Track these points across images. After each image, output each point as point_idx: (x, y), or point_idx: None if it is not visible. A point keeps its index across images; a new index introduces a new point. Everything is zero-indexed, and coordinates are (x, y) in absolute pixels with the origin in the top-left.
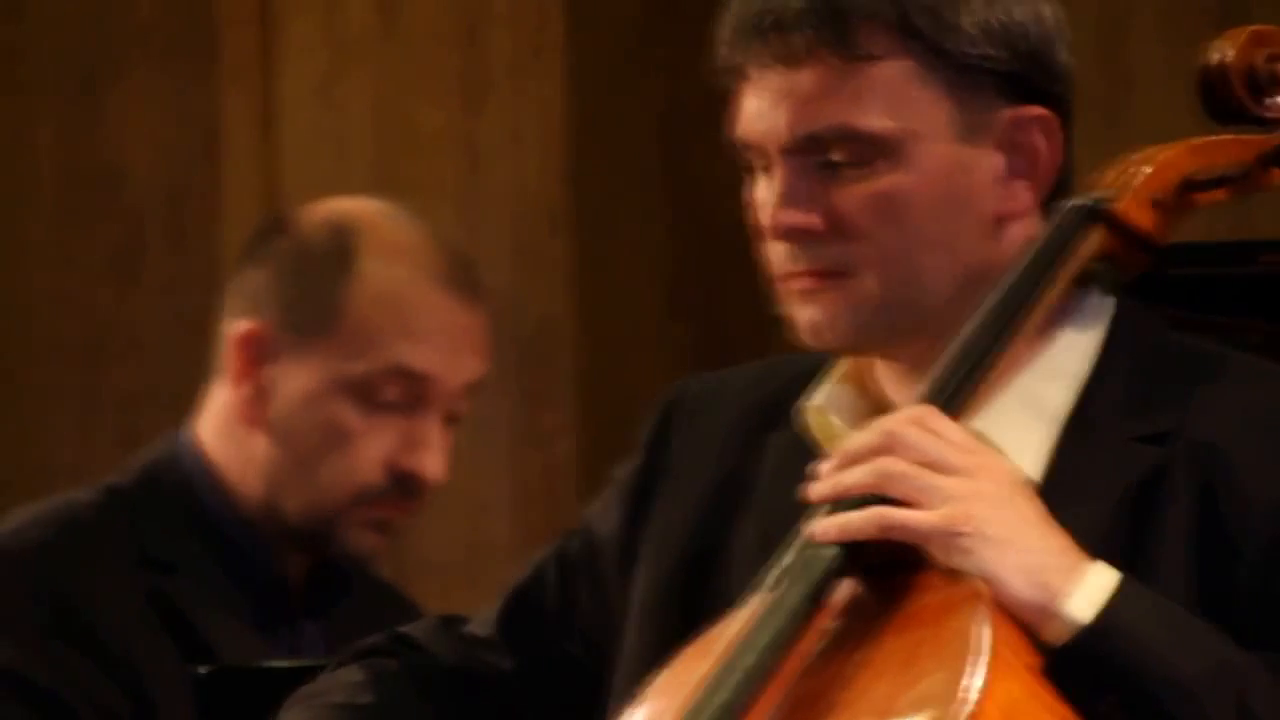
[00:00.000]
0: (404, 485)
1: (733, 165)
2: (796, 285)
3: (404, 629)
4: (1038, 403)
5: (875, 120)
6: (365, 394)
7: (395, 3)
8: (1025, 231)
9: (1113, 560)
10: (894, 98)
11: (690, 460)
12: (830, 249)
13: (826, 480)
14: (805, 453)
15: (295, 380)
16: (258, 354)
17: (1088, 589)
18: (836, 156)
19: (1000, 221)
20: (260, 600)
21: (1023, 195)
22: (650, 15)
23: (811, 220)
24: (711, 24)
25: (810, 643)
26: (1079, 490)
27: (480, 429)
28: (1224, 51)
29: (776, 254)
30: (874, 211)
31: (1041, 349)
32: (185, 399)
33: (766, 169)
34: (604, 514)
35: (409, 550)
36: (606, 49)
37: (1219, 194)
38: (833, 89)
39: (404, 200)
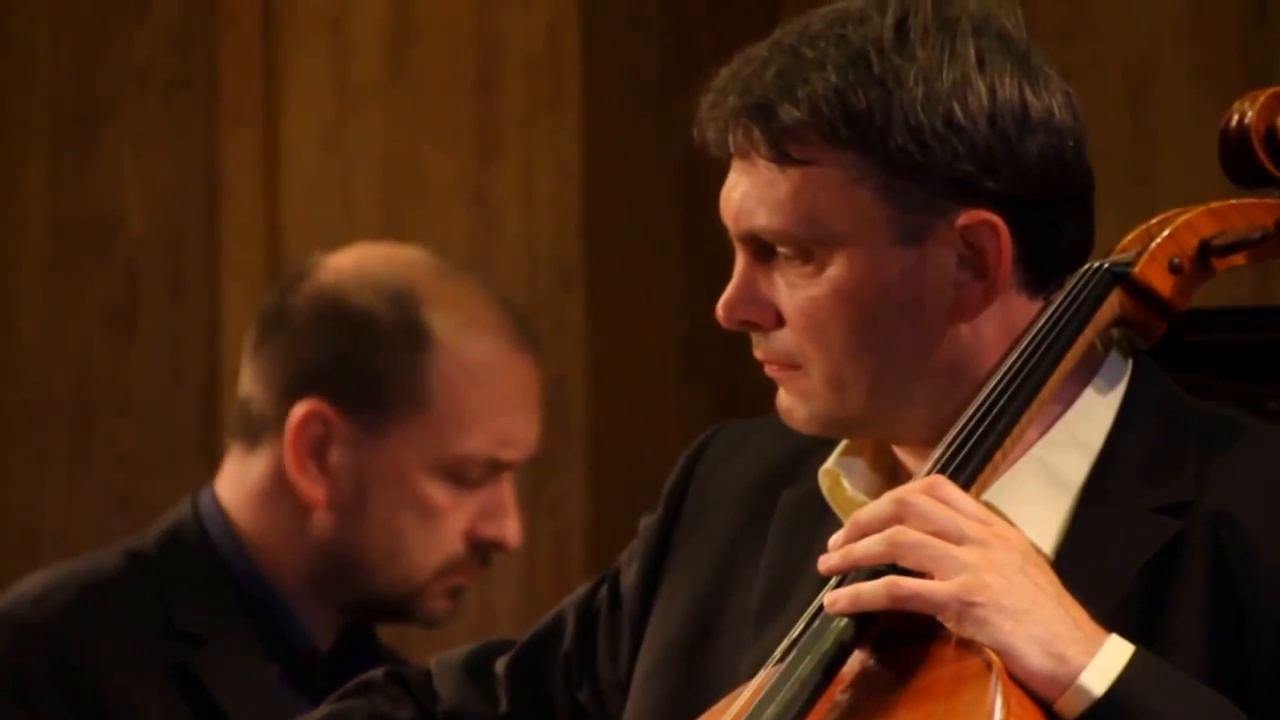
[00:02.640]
0: (482, 552)
1: None
2: (766, 369)
3: (402, 668)
4: (1053, 473)
5: (808, 225)
6: (458, 473)
7: (405, 47)
8: (999, 324)
9: (1128, 632)
10: (825, 202)
11: (705, 513)
12: (779, 342)
13: (838, 551)
14: (817, 512)
15: (374, 460)
16: (322, 436)
17: (1102, 661)
18: (781, 251)
19: (956, 322)
20: (289, 670)
21: (976, 295)
22: (668, 67)
23: (755, 314)
24: None
25: (822, 714)
26: (1095, 561)
27: None
28: (1244, 113)
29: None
30: (810, 316)
31: (1058, 416)
32: (182, 459)
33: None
34: (628, 564)
35: None
36: (623, 101)
37: (1237, 258)
38: (767, 189)
39: None
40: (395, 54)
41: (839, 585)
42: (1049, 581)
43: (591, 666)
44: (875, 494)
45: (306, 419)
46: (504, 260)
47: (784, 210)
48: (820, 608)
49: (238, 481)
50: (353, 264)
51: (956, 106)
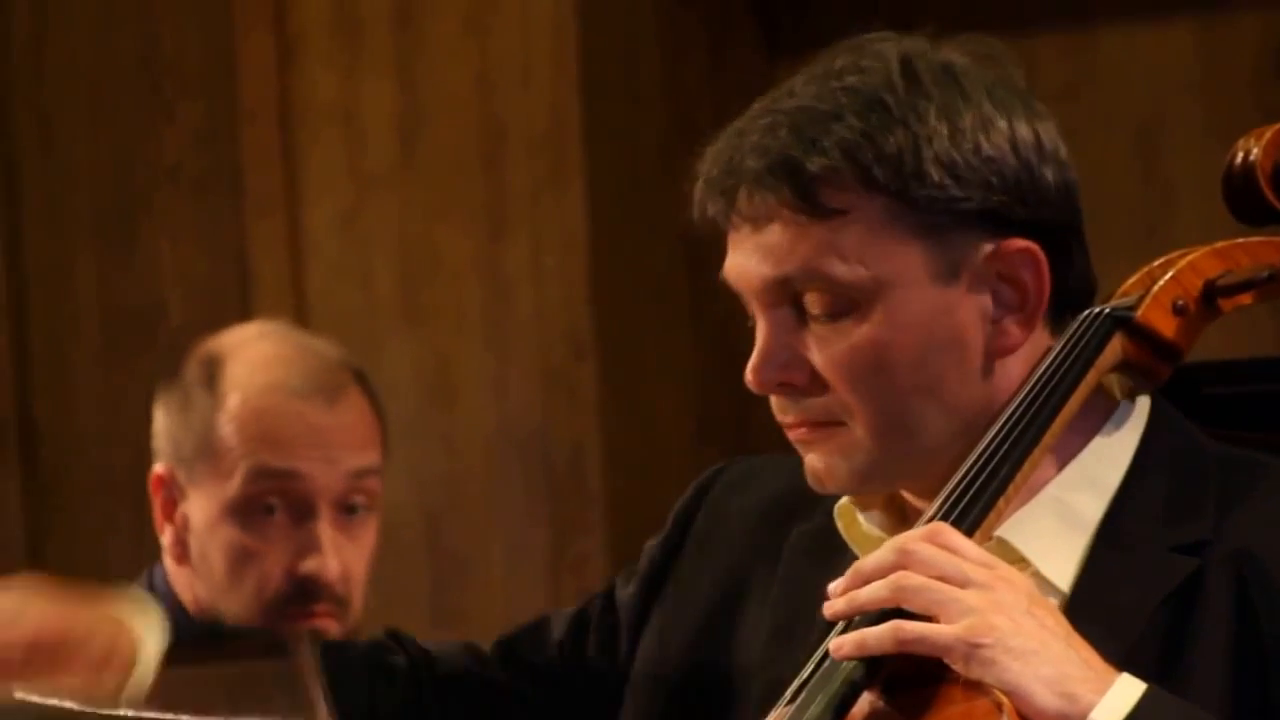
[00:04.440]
0: (307, 590)
1: None
2: (792, 434)
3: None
4: (1069, 511)
5: (844, 269)
6: (247, 511)
7: (415, 134)
8: (1026, 362)
9: (1147, 669)
10: (862, 248)
11: (712, 540)
12: (816, 401)
13: (843, 597)
14: (829, 549)
15: (197, 513)
16: (169, 495)
17: (1112, 700)
18: (813, 308)
19: (993, 358)
20: None
21: (1014, 330)
22: (668, 139)
23: (792, 375)
24: None
25: None
26: (1113, 599)
27: (515, 555)
28: (1250, 150)
29: (772, 403)
30: (854, 366)
31: (1073, 456)
32: None
33: (754, 314)
34: (626, 582)
35: None
36: (625, 174)
37: (1244, 298)
38: (799, 241)
39: (429, 329)
40: (405, 141)
41: (844, 630)
42: (1057, 622)
43: (581, 664)
44: (890, 530)
45: (155, 484)
46: (518, 333)
47: (821, 261)
48: (827, 653)
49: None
50: (212, 340)
51: (983, 138)
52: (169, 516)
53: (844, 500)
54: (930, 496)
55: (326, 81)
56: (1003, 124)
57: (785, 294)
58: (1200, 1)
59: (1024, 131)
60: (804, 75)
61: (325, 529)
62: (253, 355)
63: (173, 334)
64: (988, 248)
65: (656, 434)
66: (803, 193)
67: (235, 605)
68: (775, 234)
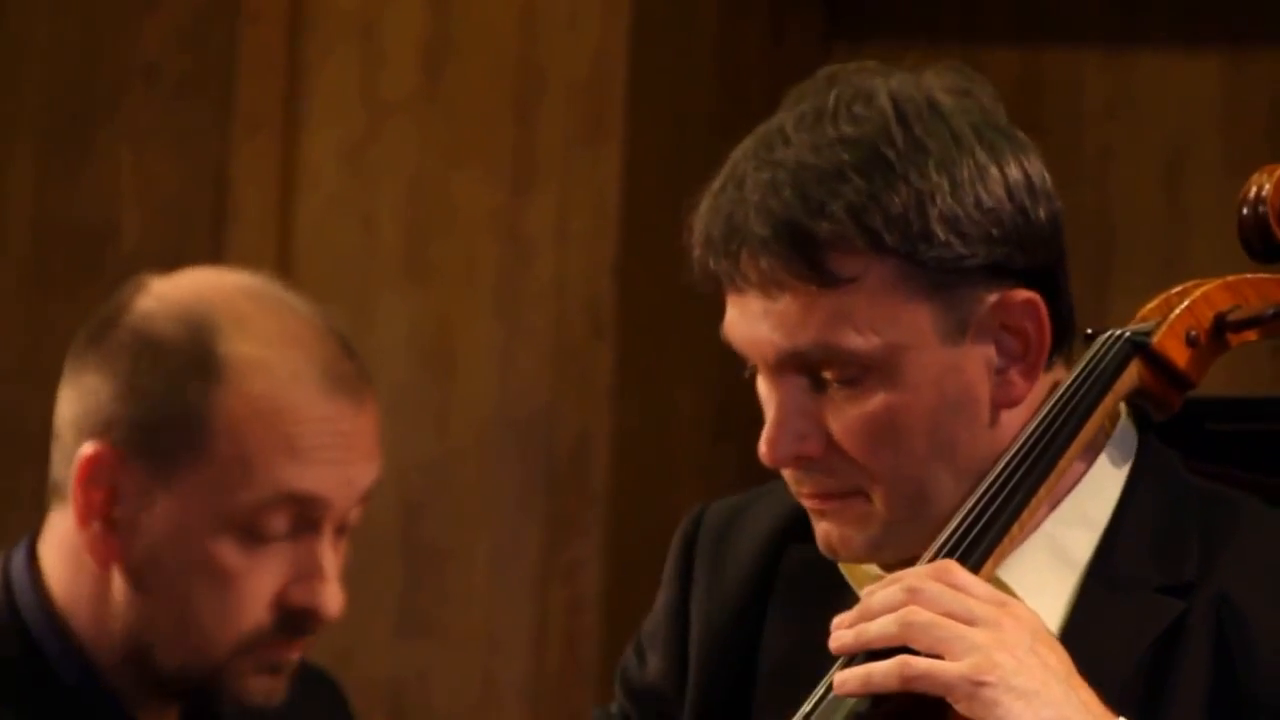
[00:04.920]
0: (296, 623)
1: None
2: (806, 503)
3: None
4: (1061, 549)
5: (858, 339)
6: (248, 528)
7: (442, 63)
8: (1028, 408)
9: (1131, 712)
10: (874, 314)
11: (720, 581)
12: (833, 472)
13: (850, 631)
14: (828, 579)
15: (158, 515)
16: (107, 483)
17: None
18: (827, 376)
19: (998, 410)
20: None
21: (1018, 380)
22: (718, 104)
23: (808, 447)
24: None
25: None
26: (1100, 641)
27: (500, 557)
28: (1261, 187)
29: (786, 474)
30: (871, 435)
31: (1066, 492)
32: None
33: (759, 371)
34: (642, 665)
35: (414, 692)
36: (669, 137)
37: (1249, 334)
38: (810, 311)
39: (433, 287)
40: (430, 69)
41: (848, 664)
42: (1059, 661)
43: None
44: (890, 568)
45: (89, 465)
46: (532, 301)
47: (833, 334)
48: (830, 686)
49: (54, 540)
50: (168, 287)
51: (981, 190)
52: (100, 511)
53: None
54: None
55: None
56: (995, 171)
57: (798, 364)
58: (1226, 35)
59: (1015, 173)
60: (793, 115)
61: (328, 553)
62: (258, 329)
63: (124, 261)
64: (991, 299)
65: (671, 428)
66: (811, 261)
67: (193, 632)
68: (785, 303)
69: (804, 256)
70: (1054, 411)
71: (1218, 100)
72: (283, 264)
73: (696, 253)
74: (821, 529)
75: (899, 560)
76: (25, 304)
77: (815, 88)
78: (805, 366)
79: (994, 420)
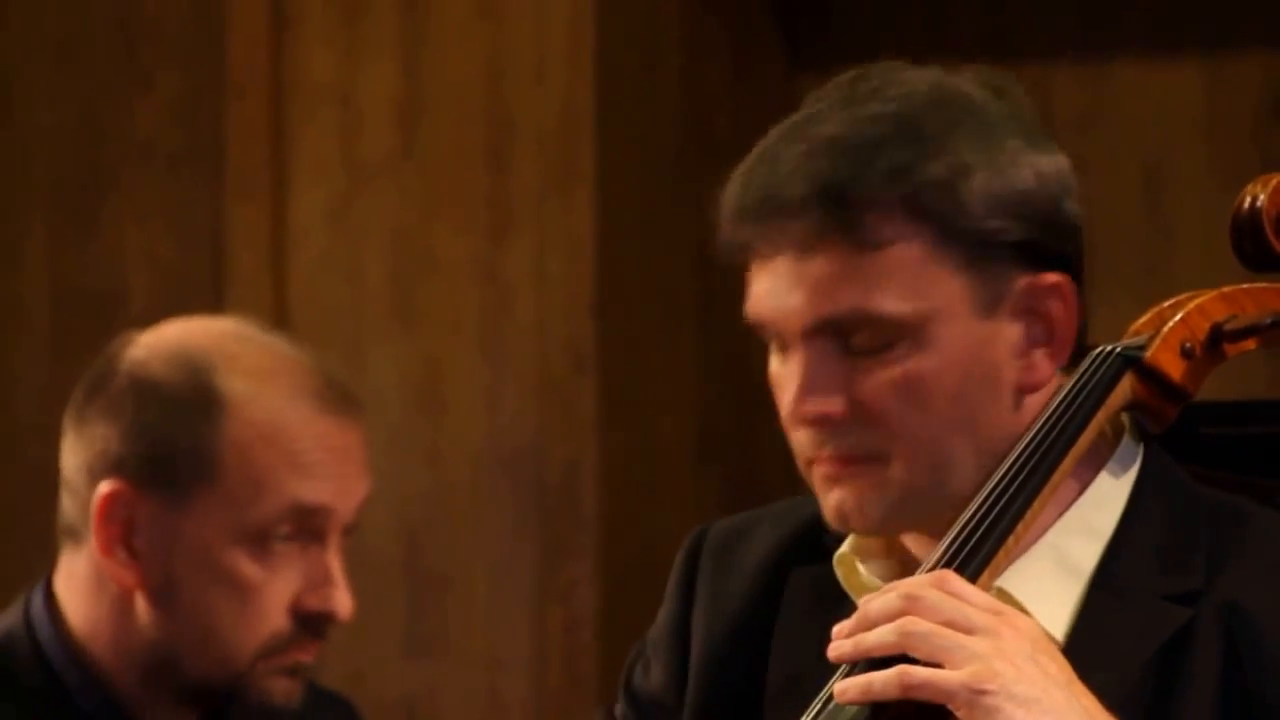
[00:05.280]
0: (311, 627)
1: None
2: (821, 470)
3: None
4: (1065, 559)
5: (892, 304)
6: (260, 540)
7: (416, 121)
8: (1045, 397)
9: (1138, 719)
10: (909, 280)
11: (723, 597)
12: (855, 435)
13: (849, 640)
14: (830, 594)
15: (176, 538)
16: (125, 516)
17: None
18: (856, 340)
19: (1021, 393)
20: None
21: (1042, 364)
22: (685, 145)
23: (833, 407)
24: (747, 156)
25: None
26: (1106, 648)
27: (498, 580)
28: (1256, 196)
29: (801, 437)
30: (898, 397)
31: (1069, 503)
32: None
33: (784, 348)
34: (646, 674)
35: (424, 709)
36: (638, 179)
37: (1248, 343)
38: (846, 274)
39: (420, 333)
40: (406, 128)
41: (848, 674)
42: (1060, 669)
43: None
44: (890, 579)
45: (108, 500)
46: (515, 341)
47: (868, 299)
48: (831, 695)
49: (69, 577)
50: (152, 339)
51: (1014, 172)
52: (121, 541)
53: (843, 549)
54: (933, 543)
55: (323, 59)
56: (1030, 158)
57: (829, 330)
58: (1206, 41)
59: (1047, 165)
60: (824, 101)
61: (334, 560)
62: (248, 363)
63: (132, 323)
64: (1021, 280)
65: (656, 454)
66: (851, 222)
67: (219, 642)
68: (819, 265)
69: (842, 217)
70: (1046, 427)
71: (1199, 108)
72: (279, 318)
73: (725, 226)
74: (834, 498)
75: (899, 573)
76: (45, 365)
77: (842, 82)
78: (836, 332)
79: (1016, 403)
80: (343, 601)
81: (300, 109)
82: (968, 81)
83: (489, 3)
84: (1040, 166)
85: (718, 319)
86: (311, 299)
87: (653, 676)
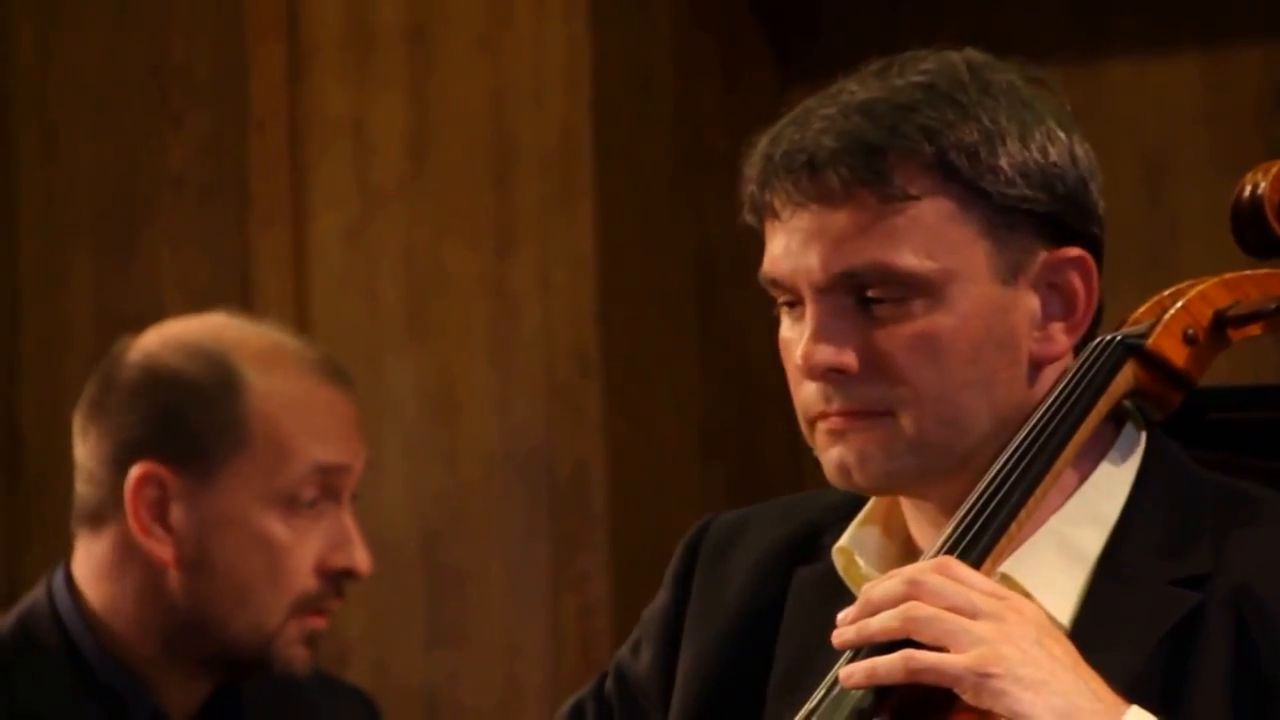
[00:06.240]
0: (335, 584)
1: (765, 306)
2: (827, 425)
3: None
4: (1070, 545)
5: (913, 260)
6: (289, 503)
7: (424, 148)
8: (1058, 373)
9: (1148, 704)
10: (932, 238)
11: (717, 592)
12: (865, 388)
13: (852, 626)
14: (833, 589)
15: (210, 509)
16: (159, 496)
17: None
18: (873, 293)
19: (1036, 364)
20: None
21: (1059, 338)
22: (680, 158)
23: (846, 359)
24: (741, 166)
25: None
26: (1114, 633)
27: (513, 573)
28: (1257, 183)
29: (808, 392)
30: (912, 352)
31: (1073, 490)
32: None
33: (795, 306)
34: (635, 655)
35: (445, 696)
36: (635, 193)
37: (1253, 329)
38: (869, 228)
39: (434, 345)
40: (415, 155)
41: (853, 659)
42: (1065, 652)
43: None
44: (889, 569)
45: (141, 482)
46: (524, 349)
47: (889, 253)
48: (836, 680)
49: (87, 562)
50: (159, 336)
51: (1049, 146)
52: (157, 519)
53: (843, 541)
54: (938, 522)
55: (337, 94)
56: (1063, 136)
57: (847, 285)
58: (1205, 34)
59: (1080, 149)
60: (855, 78)
61: (351, 519)
62: (254, 344)
63: None
64: (1044, 252)
65: (661, 452)
66: (879, 171)
67: (255, 604)
68: (843, 217)
69: (872, 166)
70: (1048, 414)
71: (1199, 98)
72: (302, 333)
73: (751, 183)
74: (837, 453)
75: (897, 565)
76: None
77: (879, 64)
78: (853, 287)
79: (1032, 375)
80: (362, 557)
81: (317, 141)
82: (1005, 68)
83: (490, 35)
84: (1074, 149)
85: (717, 321)
86: (331, 315)
87: (641, 661)
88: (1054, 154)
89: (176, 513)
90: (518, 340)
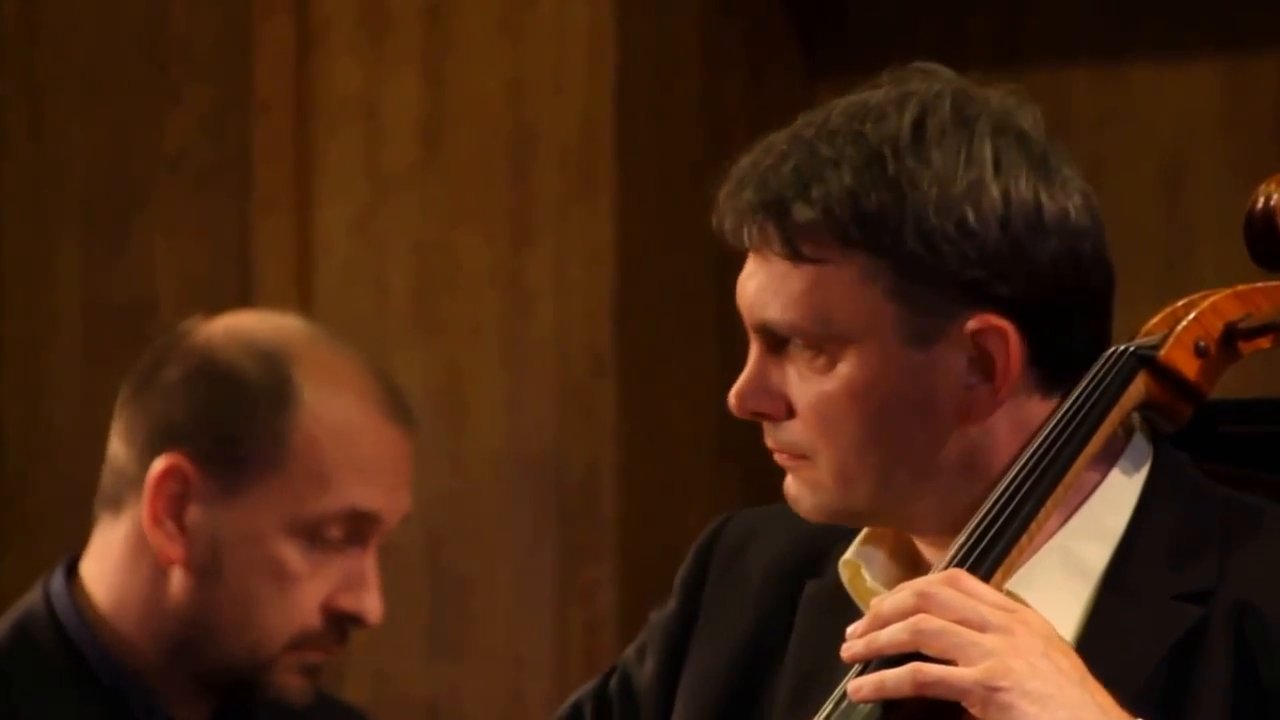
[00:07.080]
0: (339, 627)
1: None
2: (775, 458)
3: None
4: (1075, 560)
5: (819, 322)
6: (311, 535)
7: (438, 134)
8: (1014, 421)
9: (1151, 717)
10: (837, 301)
11: (726, 604)
12: (789, 433)
13: (861, 639)
14: (842, 603)
15: (228, 519)
16: (180, 493)
17: None
18: (793, 348)
19: (966, 421)
20: None
21: (985, 397)
22: (702, 154)
23: (765, 405)
24: None
25: None
26: (1117, 649)
27: (520, 582)
28: (1270, 195)
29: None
30: (819, 410)
31: (1079, 504)
32: None
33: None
34: (640, 660)
35: (447, 709)
36: (656, 188)
37: (1263, 342)
38: (779, 284)
39: (443, 340)
40: (428, 141)
41: (862, 672)
42: (1073, 666)
43: None
44: (895, 585)
45: (165, 474)
46: (536, 347)
47: (796, 306)
48: (844, 694)
49: (102, 551)
50: (225, 326)
51: (969, 210)
52: (173, 514)
53: (849, 554)
54: (942, 542)
55: (348, 74)
56: (997, 195)
57: (764, 332)
58: (1226, 43)
59: (1022, 204)
60: (846, 101)
61: (373, 565)
62: (323, 362)
63: (162, 333)
64: (964, 317)
65: (675, 456)
66: (786, 237)
67: (250, 627)
68: (767, 269)
69: (779, 231)
70: (1059, 427)
71: (1219, 106)
72: None
73: (717, 207)
74: (786, 483)
75: (903, 578)
76: (78, 374)
77: (887, 81)
78: (773, 335)
79: (964, 431)
80: (373, 606)
81: (325, 123)
82: (984, 99)
83: (510, 17)
84: (1012, 204)
85: (736, 323)
86: (336, 308)
87: (645, 667)
88: (974, 220)
89: (194, 514)
90: (530, 338)
